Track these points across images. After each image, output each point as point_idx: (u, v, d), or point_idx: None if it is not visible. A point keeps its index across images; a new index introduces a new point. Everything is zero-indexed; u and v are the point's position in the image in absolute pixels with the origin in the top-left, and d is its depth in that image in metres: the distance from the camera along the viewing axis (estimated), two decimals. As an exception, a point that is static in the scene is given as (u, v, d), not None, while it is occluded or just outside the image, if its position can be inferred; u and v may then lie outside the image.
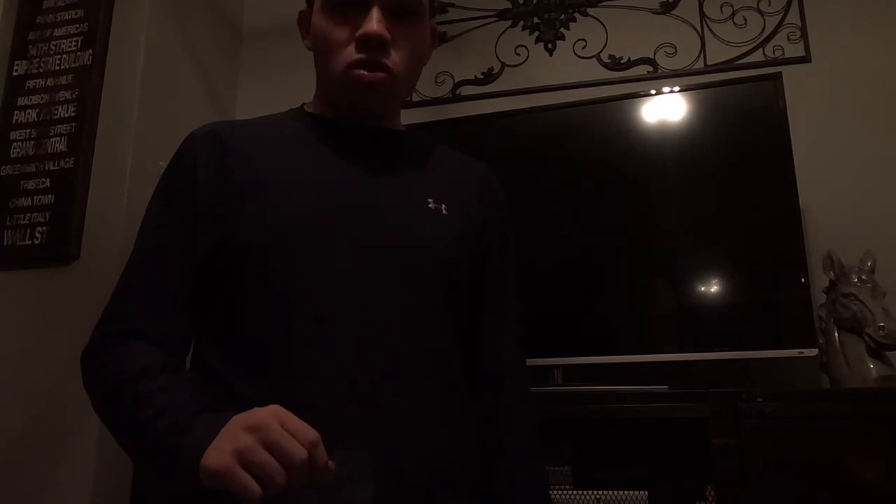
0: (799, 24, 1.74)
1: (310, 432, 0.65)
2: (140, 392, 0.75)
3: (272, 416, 0.66)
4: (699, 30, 1.80)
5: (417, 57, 0.93)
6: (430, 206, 0.90)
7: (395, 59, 0.88)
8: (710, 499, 1.21)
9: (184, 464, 0.67)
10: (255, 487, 0.62)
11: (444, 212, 0.90)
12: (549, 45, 1.90)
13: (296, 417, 0.66)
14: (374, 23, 0.86)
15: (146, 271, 0.86)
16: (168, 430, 0.70)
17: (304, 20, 0.97)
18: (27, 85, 1.74)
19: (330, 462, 0.65)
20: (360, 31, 0.86)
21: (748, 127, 1.46)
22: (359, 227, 0.85)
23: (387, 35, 0.86)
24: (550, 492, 1.23)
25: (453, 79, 1.94)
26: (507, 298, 0.99)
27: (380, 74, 0.88)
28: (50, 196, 1.63)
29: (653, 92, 1.54)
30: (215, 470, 0.64)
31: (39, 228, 1.62)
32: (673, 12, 1.83)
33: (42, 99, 1.71)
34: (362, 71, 0.87)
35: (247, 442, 0.64)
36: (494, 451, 0.90)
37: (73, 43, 1.73)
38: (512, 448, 0.91)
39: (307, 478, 0.64)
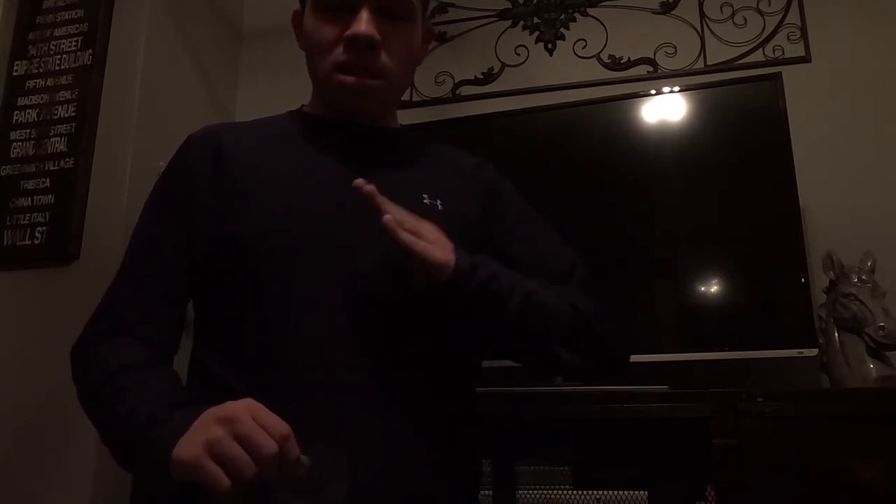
0: (799, 24, 1.74)
1: (282, 426, 0.65)
2: (119, 386, 0.76)
3: (244, 409, 0.66)
4: (699, 30, 1.80)
5: (409, 58, 0.92)
6: (425, 201, 0.89)
7: (385, 60, 0.87)
8: (710, 499, 1.21)
9: (156, 456, 0.67)
10: (223, 479, 0.62)
11: (439, 207, 0.90)
12: (549, 45, 1.90)
13: (268, 411, 0.66)
14: (362, 24, 0.85)
15: (138, 270, 0.87)
16: (143, 423, 0.71)
17: (297, 20, 0.97)
18: (27, 85, 1.74)
19: (303, 457, 0.65)
20: (348, 32, 0.85)
21: (748, 127, 1.46)
22: (355, 226, 0.84)
23: (376, 36, 0.85)
24: (550, 492, 1.24)
25: (453, 79, 1.94)
26: (542, 242, 0.99)
27: (368, 81, 0.87)
28: (50, 196, 1.63)
29: (653, 92, 1.54)
30: (185, 461, 0.65)
31: (39, 228, 1.62)
32: (673, 12, 1.83)
33: (42, 99, 1.72)
34: (349, 77, 0.87)
35: (217, 434, 0.64)
36: None
37: (73, 43, 1.73)
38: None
39: (278, 472, 0.64)
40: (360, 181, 0.77)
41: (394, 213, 0.76)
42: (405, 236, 0.74)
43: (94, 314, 0.88)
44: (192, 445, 0.65)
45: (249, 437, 0.63)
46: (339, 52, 0.87)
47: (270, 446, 0.63)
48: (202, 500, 0.65)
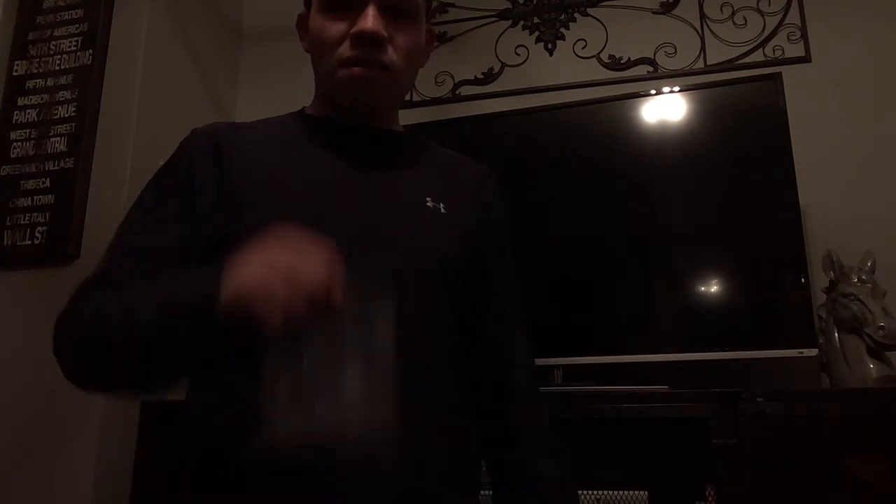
0: (799, 24, 1.74)
1: (325, 260, 0.66)
2: (131, 294, 0.76)
3: (285, 248, 0.67)
4: (699, 30, 1.80)
5: (414, 56, 0.93)
6: (428, 204, 0.90)
7: (391, 56, 0.88)
8: (710, 499, 1.21)
9: (204, 296, 0.68)
10: (279, 308, 0.63)
11: (442, 210, 0.90)
12: (549, 45, 1.90)
13: (309, 247, 0.67)
14: (369, 20, 0.86)
15: (131, 241, 0.88)
16: (177, 284, 0.72)
17: (302, 23, 0.97)
18: (27, 85, 1.74)
19: (348, 290, 0.65)
20: (355, 28, 0.86)
21: (748, 127, 1.46)
22: (356, 228, 0.84)
23: (382, 32, 0.86)
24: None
25: (453, 79, 1.94)
26: (510, 297, 0.99)
27: (375, 72, 0.88)
28: (50, 196, 1.63)
29: (653, 92, 1.55)
30: (239, 292, 0.65)
31: (39, 228, 1.62)
32: (673, 12, 1.83)
33: (42, 99, 1.72)
34: (355, 68, 0.87)
35: (262, 270, 0.66)
36: (506, 441, 0.91)
37: (73, 43, 1.73)
38: (530, 434, 0.92)
39: (327, 305, 0.65)
40: None
41: None
42: None
43: (82, 282, 0.86)
44: (239, 280, 0.66)
45: (295, 271, 0.65)
46: (345, 48, 0.87)
47: (318, 278, 0.64)
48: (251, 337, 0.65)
